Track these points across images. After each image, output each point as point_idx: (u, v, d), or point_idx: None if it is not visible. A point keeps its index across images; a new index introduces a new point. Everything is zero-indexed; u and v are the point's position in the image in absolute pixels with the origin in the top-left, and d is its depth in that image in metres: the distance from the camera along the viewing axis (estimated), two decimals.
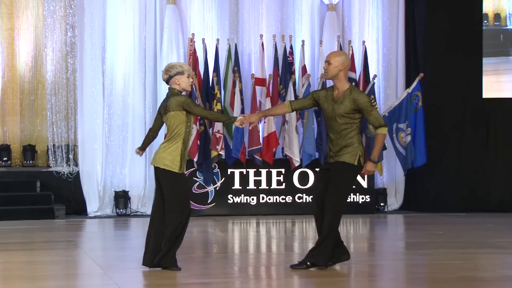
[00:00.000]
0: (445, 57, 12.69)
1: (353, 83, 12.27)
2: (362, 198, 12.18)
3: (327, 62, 7.17)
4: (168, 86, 7.20)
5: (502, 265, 7.42)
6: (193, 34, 12.16)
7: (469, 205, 12.56)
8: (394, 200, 12.70)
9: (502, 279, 6.84)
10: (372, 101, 12.16)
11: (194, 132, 11.42)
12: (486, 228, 10.68)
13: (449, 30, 12.68)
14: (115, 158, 12.21)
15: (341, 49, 12.40)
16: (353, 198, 12.17)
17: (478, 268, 7.27)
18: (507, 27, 12.82)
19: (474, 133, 12.71)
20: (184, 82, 7.14)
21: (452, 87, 12.63)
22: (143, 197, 12.25)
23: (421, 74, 12.13)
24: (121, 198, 12.05)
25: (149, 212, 12.14)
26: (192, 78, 7.31)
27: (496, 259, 7.62)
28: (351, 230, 10.88)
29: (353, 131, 7.05)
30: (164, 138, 7.54)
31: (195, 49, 12.06)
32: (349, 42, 12.58)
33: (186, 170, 11.86)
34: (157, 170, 7.07)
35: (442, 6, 12.71)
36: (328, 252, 7.09)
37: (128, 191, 12.14)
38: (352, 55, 12.42)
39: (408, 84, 12.54)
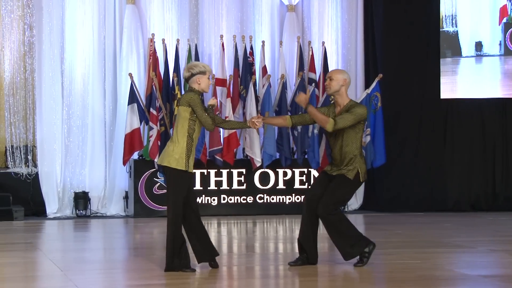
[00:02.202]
0: (403, 58, 12.80)
1: (313, 84, 12.34)
2: None
3: (329, 78, 7.29)
4: (188, 85, 7.09)
5: (459, 264, 7.51)
6: (153, 35, 12.12)
7: (427, 204, 12.69)
8: (354, 200, 12.78)
9: (459, 277, 6.92)
10: (332, 101, 12.21)
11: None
12: (443, 228, 10.80)
13: (407, 32, 12.80)
14: (74, 159, 12.12)
15: (300, 49, 12.46)
16: None
17: (435, 267, 7.35)
18: (443, 29, 12.98)
19: (432, 134, 12.86)
20: (204, 83, 7.09)
21: (410, 88, 12.76)
22: (103, 198, 12.17)
23: (380, 75, 12.22)
24: (81, 199, 11.96)
25: (109, 213, 12.11)
26: (213, 80, 7.31)
27: (453, 258, 7.71)
28: None
29: (354, 145, 7.12)
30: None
31: (155, 50, 12.02)
32: (309, 42, 12.64)
33: (147, 171, 11.88)
34: (163, 168, 7.00)
35: (400, 8, 12.82)
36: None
37: (88, 192, 12.06)
38: (312, 56, 12.48)
39: (367, 84, 12.64)
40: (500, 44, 12.92)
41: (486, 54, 12.92)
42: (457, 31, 12.94)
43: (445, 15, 12.90)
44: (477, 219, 11.70)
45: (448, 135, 12.87)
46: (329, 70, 12.51)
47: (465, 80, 13.07)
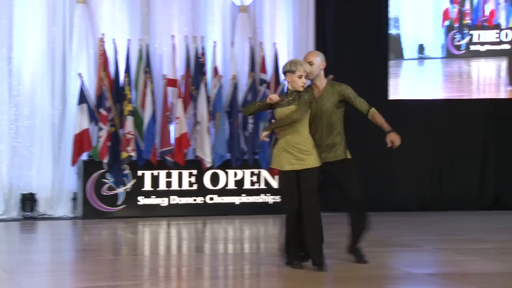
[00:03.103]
0: (354, 59, 12.90)
1: (265, 85, 12.37)
2: (273, 199, 12.28)
3: (309, 63, 7.26)
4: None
5: (404, 262, 7.60)
6: (103, 34, 12.03)
7: (375, 204, 12.76)
8: None
9: (405, 276, 7.01)
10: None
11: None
12: (390, 227, 10.91)
13: (357, 33, 12.90)
14: (21, 160, 11.96)
15: (252, 50, 12.47)
16: (264, 198, 12.25)
17: (382, 266, 7.43)
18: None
19: (380, 134, 12.88)
20: (293, 81, 7.07)
21: (360, 89, 12.79)
22: (51, 199, 12.03)
23: (331, 76, 12.23)
24: (28, 200, 11.80)
25: (57, 214, 11.97)
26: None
27: (400, 257, 7.81)
28: (261, 230, 10.96)
29: (340, 126, 7.22)
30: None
31: (105, 49, 11.93)
32: (260, 43, 12.66)
33: (96, 172, 11.79)
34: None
35: (351, 9, 12.92)
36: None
37: (35, 194, 11.91)
38: (263, 56, 12.51)
39: None
40: (442, 47, 13.08)
41: (428, 56, 13.06)
42: (399, 34, 13.08)
43: (389, 18, 13.03)
44: (424, 219, 11.83)
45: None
46: (280, 71, 12.61)
47: (407, 82, 13.22)
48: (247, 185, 12.25)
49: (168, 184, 12.06)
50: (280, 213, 12.08)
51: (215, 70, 12.31)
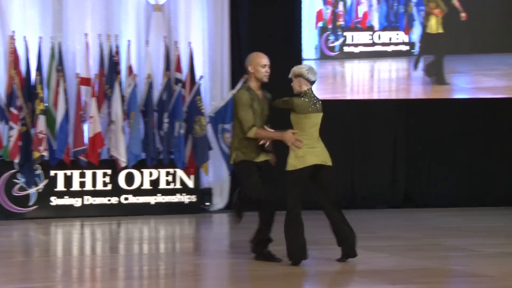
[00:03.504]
0: (269, 59, 12.95)
1: (180, 84, 12.34)
2: (188, 198, 12.26)
3: (269, 66, 7.70)
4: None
5: (318, 261, 7.70)
6: (13, 32, 11.79)
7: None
8: (219, 200, 12.86)
9: (318, 274, 7.11)
10: (198, 102, 12.27)
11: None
12: (306, 226, 11.00)
13: (272, 32, 12.97)
14: None
15: (167, 49, 12.42)
16: (179, 198, 12.22)
17: (299, 265, 7.50)
18: None
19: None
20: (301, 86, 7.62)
21: (274, 88, 12.91)
22: None
23: (246, 76, 12.32)
24: None
25: None
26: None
27: (312, 255, 7.90)
28: (177, 230, 10.93)
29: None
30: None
31: (15, 47, 11.70)
32: (175, 43, 12.62)
33: (7, 172, 11.54)
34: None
35: (265, 9, 12.99)
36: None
37: None
38: (178, 56, 12.47)
39: (233, 85, 12.75)
40: (316, 48, 13.27)
41: (303, 58, 13.22)
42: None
43: (302, 16, 13.16)
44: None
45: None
46: (195, 71, 12.61)
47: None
48: (162, 185, 12.20)
49: (82, 184, 11.91)
50: (196, 213, 12.18)
51: (130, 69, 12.21)
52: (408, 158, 13.33)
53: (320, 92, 13.04)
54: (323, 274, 7.11)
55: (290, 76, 7.69)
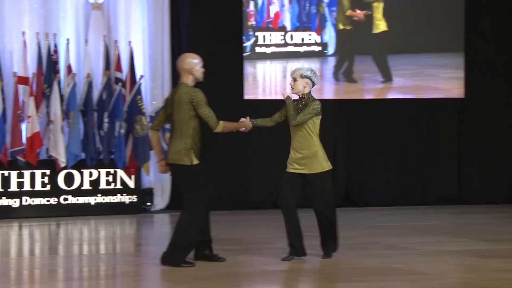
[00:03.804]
0: (209, 58, 12.92)
1: (120, 83, 12.25)
2: (129, 198, 12.18)
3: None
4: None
5: (259, 260, 7.74)
6: None
7: (232, 203, 12.91)
8: (161, 200, 12.81)
9: (259, 273, 7.14)
10: (139, 101, 12.21)
11: None
12: (248, 225, 11.07)
13: (212, 32, 12.97)
14: None
15: (107, 48, 12.32)
16: (120, 198, 12.14)
17: (237, 264, 7.53)
18: None
19: (236, 135, 13.01)
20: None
21: (216, 88, 12.93)
22: None
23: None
24: None
25: None
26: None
27: (254, 255, 7.94)
28: (117, 230, 10.86)
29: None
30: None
31: None
32: (115, 42, 12.53)
33: None
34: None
35: (205, 6, 12.96)
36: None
37: None
38: (118, 55, 12.38)
39: (174, 84, 12.70)
40: None
41: (244, 58, 13.24)
42: None
43: (244, 15, 13.18)
44: (278, 216, 12.03)
45: (252, 136, 13.13)
46: (135, 70, 12.53)
47: None
48: (102, 185, 12.10)
49: (20, 184, 11.74)
50: (137, 213, 12.11)
51: (69, 68, 12.08)
52: (347, 158, 13.45)
53: (232, 93, 13.08)
54: (266, 273, 7.15)
55: (294, 75, 7.72)
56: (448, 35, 13.55)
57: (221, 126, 7.52)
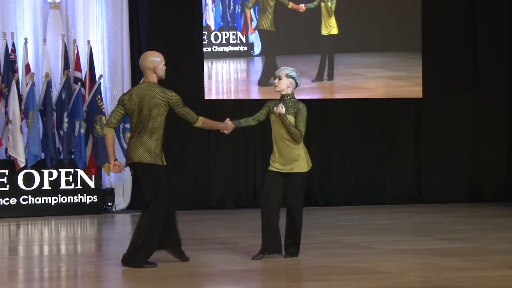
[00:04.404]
0: (168, 58, 12.90)
1: (79, 83, 12.19)
2: (90, 199, 12.13)
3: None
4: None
5: (221, 260, 7.76)
6: None
7: (193, 202, 12.92)
8: (122, 200, 12.78)
9: (221, 273, 7.17)
10: (99, 101, 12.17)
11: None
12: (207, 225, 11.09)
13: (171, 31, 12.96)
14: None
15: (66, 48, 12.25)
16: (81, 198, 12.08)
17: (200, 264, 7.54)
18: None
19: (199, 132, 13.06)
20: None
21: (176, 88, 12.91)
22: None
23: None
24: None
25: None
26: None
27: (217, 254, 7.95)
28: (78, 231, 10.80)
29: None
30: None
31: None
32: (74, 41, 12.47)
33: None
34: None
35: (164, 5, 12.95)
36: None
37: None
38: (77, 54, 12.32)
39: (134, 84, 12.67)
40: None
41: (204, 56, 13.27)
42: None
43: (203, 12, 13.17)
44: (239, 216, 12.11)
45: (212, 134, 13.15)
46: (94, 69, 12.47)
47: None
48: (63, 185, 12.04)
49: None
50: (98, 213, 12.06)
51: (27, 68, 12.00)
52: (321, 156, 13.47)
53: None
54: (228, 273, 7.18)
55: (280, 74, 7.69)
56: (406, 34, 13.68)
57: (201, 121, 7.54)
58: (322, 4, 13.39)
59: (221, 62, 13.19)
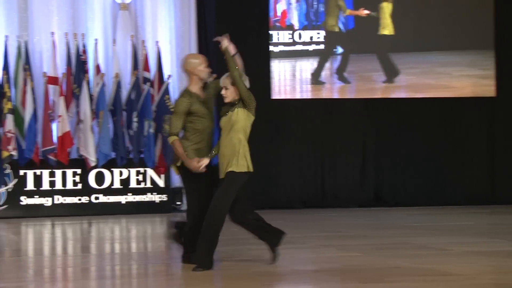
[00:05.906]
0: None
1: (148, 83, 12.31)
2: (159, 197, 12.24)
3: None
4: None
5: (290, 259, 7.73)
6: None
7: (260, 201, 12.92)
8: None
9: (290, 273, 7.14)
10: (167, 101, 12.26)
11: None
12: (276, 225, 11.04)
13: (240, 31, 12.99)
14: None
15: (134, 48, 12.38)
16: (150, 197, 12.20)
17: (269, 264, 7.53)
18: None
19: (263, 134, 13.05)
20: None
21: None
22: None
23: (214, 75, 12.33)
24: None
25: None
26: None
27: (286, 254, 7.92)
28: (148, 229, 10.90)
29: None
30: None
31: None
32: (143, 41, 12.59)
33: None
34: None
35: (232, 7, 12.99)
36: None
37: None
38: (146, 55, 12.45)
39: None
40: None
41: (271, 56, 13.27)
42: None
43: (270, 14, 13.18)
44: (308, 216, 12.06)
45: (274, 135, 13.15)
46: (163, 70, 12.57)
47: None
48: (133, 184, 12.17)
49: (52, 183, 11.84)
50: (167, 212, 12.15)
51: (97, 68, 12.17)
52: (376, 157, 13.43)
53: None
54: (295, 273, 7.15)
55: (224, 84, 7.43)
56: (478, 32, 13.47)
57: (171, 140, 7.22)
58: (384, 4, 13.30)
59: (304, 61, 13.16)
